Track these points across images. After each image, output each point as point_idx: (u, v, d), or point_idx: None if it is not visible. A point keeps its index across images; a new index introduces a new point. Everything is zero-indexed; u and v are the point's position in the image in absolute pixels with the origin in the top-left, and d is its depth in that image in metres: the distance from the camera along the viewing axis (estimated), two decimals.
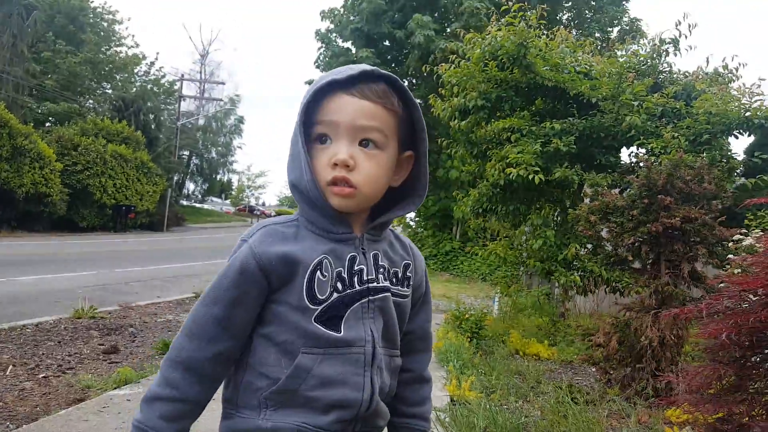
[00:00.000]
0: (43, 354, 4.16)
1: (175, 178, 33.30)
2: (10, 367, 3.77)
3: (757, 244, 3.43)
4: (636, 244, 4.03)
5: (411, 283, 1.02)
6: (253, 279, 0.90)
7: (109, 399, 3.20)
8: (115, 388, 3.40)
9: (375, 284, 0.96)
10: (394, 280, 0.99)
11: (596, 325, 4.48)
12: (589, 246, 5.36)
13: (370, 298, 0.95)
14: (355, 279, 0.94)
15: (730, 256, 3.88)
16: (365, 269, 0.95)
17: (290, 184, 0.96)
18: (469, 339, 5.55)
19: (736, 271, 3.14)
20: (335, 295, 0.92)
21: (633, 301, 4.04)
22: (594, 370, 4.53)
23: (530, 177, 5.32)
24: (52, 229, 19.16)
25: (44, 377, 3.63)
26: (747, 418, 1.91)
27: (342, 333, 0.91)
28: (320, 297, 0.91)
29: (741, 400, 1.96)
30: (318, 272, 0.91)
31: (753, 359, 1.98)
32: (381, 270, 0.97)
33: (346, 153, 0.90)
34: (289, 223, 0.96)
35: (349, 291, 0.93)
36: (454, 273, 16.10)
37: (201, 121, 38.16)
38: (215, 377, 0.93)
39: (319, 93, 0.92)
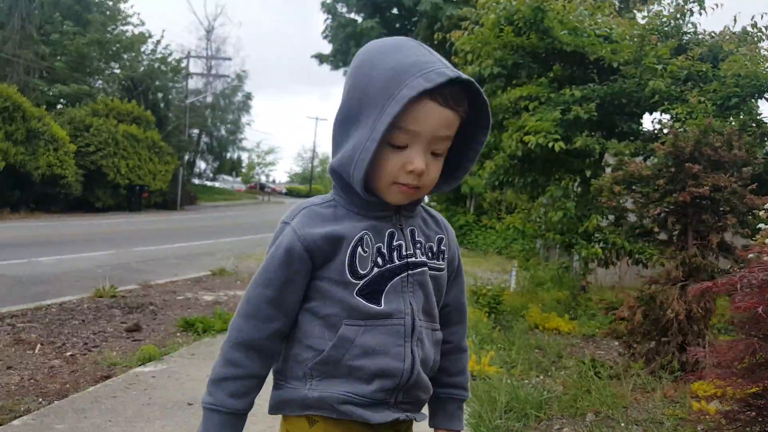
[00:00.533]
0: (68, 333, 4.24)
1: (186, 156, 33.30)
2: (39, 345, 3.85)
3: None
4: (662, 215, 3.94)
5: (446, 256, 1.05)
6: (300, 260, 0.94)
7: (135, 376, 3.25)
8: (140, 365, 3.45)
9: (414, 259, 0.98)
10: (429, 254, 1.02)
11: (620, 298, 4.42)
12: (611, 217, 5.26)
13: (409, 272, 0.98)
14: (395, 254, 0.97)
15: (761, 225, 3.78)
16: (404, 245, 0.98)
17: (332, 169, 0.97)
18: (487, 314, 5.52)
19: (766, 241, 3.05)
20: (376, 269, 0.95)
21: (659, 273, 3.96)
22: (617, 343, 4.48)
23: (550, 145, 5.18)
24: (68, 210, 19.38)
25: (71, 355, 3.70)
26: None
27: (382, 306, 0.95)
28: (362, 272, 0.94)
29: None
30: (359, 248, 0.94)
31: None
32: (418, 245, 1.00)
33: (423, 163, 0.92)
34: (326, 204, 0.99)
35: (389, 266, 0.96)
36: (469, 247, 16.04)
37: (209, 99, 37.97)
38: (273, 352, 0.99)
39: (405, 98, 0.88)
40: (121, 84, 27.37)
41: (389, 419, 0.96)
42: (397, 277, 0.96)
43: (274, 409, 1.00)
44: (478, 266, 11.74)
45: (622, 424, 2.75)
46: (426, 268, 1.00)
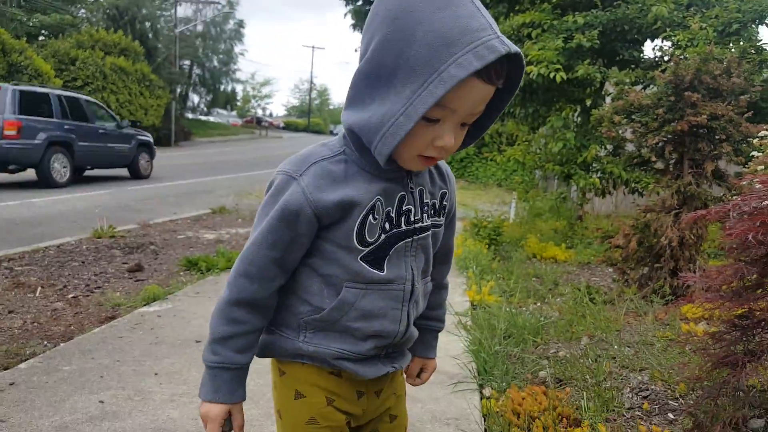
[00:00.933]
0: (68, 275, 4.23)
1: (178, 90, 32.53)
2: (39, 288, 3.85)
3: None
4: (660, 144, 3.91)
5: (446, 210, 1.05)
6: (308, 223, 0.91)
7: (140, 316, 3.29)
8: (145, 305, 3.48)
9: (420, 224, 0.97)
10: (432, 212, 1.01)
11: (615, 227, 4.46)
12: (609, 147, 5.23)
13: (414, 237, 0.97)
14: (402, 219, 0.95)
15: (755, 153, 3.76)
16: (413, 209, 0.96)
17: (349, 129, 0.89)
18: (487, 245, 5.60)
19: (759, 168, 3.04)
20: (383, 236, 0.93)
21: (654, 202, 3.99)
22: (611, 270, 4.58)
23: (551, 75, 5.08)
24: None
25: (73, 297, 3.70)
26: None
27: (385, 272, 0.94)
28: (369, 240, 0.92)
29: (761, 297, 1.96)
30: (370, 216, 0.91)
31: None
32: (425, 208, 0.98)
33: (453, 139, 0.87)
34: (336, 158, 0.92)
35: (395, 231, 0.94)
36: (469, 180, 16.06)
37: (199, 27, 36.58)
38: (273, 305, 0.99)
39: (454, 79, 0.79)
40: (106, 13, 26.30)
41: (380, 374, 1.00)
42: (402, 242, 0.95)
43: (262, 353, 1.01)
44: (478, 199, 11.79)
45: (615, 346, 2.84)
46: (430, 232, 0.99)
